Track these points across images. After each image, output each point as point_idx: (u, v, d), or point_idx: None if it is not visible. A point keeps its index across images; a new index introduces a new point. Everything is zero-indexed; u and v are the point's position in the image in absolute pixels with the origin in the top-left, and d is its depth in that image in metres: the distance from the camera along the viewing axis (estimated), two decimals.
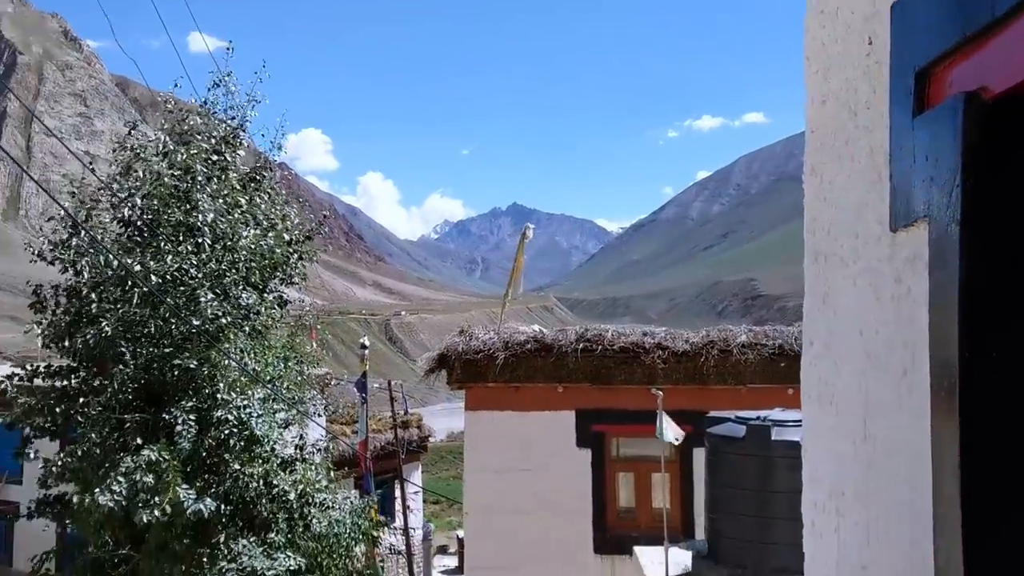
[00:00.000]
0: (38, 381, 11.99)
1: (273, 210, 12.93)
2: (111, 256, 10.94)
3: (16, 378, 11.97)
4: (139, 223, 11.75)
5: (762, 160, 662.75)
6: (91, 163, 12.13)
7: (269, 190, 13.28)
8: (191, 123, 12.75)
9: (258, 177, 13.28)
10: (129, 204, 11.50)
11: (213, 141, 12.55)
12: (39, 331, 11.83)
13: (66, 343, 11.56)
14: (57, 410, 11.44)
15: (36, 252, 11.82)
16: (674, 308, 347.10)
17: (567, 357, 11.24)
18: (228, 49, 13.55)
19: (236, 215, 12.00)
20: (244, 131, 13.34)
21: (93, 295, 11.49)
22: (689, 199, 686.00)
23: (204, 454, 10.97)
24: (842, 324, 2.00)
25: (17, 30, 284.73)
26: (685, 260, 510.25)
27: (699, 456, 10.50)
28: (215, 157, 12.43)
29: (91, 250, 11.48)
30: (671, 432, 7.32)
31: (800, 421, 6.15)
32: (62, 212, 11.79)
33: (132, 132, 12.96)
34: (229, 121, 13.17)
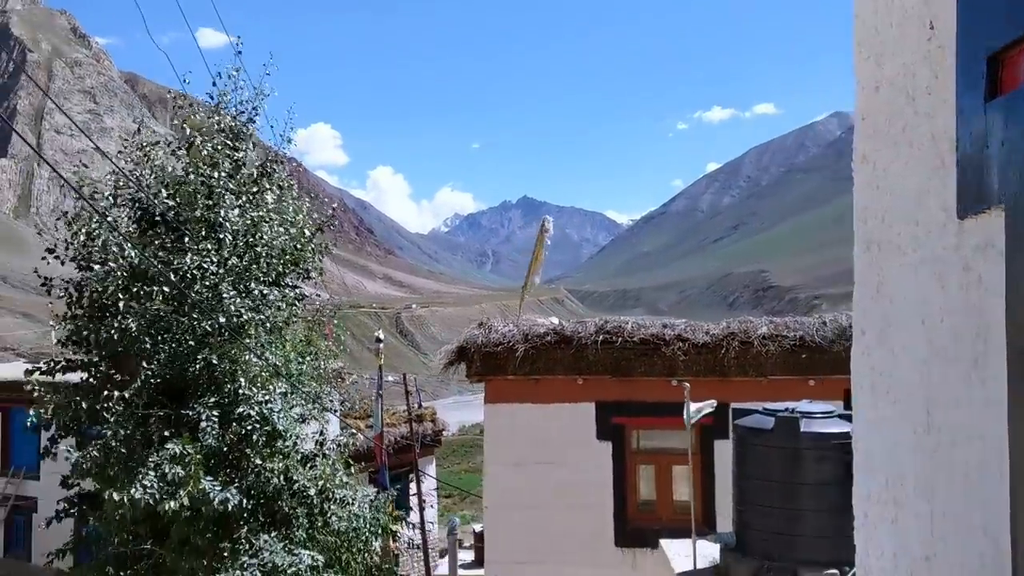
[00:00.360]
0: (58, 375, 12.04)
1: (285, 204, 12.94)
2: (130, 251, 10.98)
3: (37, 372, 12.01)
4: (158, 218, 11.78)
5: (772, 152, 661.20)
6: (90, 160, 12.11)
7: (281, 184, 13.27)
8: (209, 119, 12.74)
9: (269, 171, 13.27)
10: (153, 199, 11.52)
11: (224, 136, 12.55)
12: (62, 326, 11.88)
13: (89, 337, 11.59)
14: (84, 405, 11.47)
15: (50, 250, 11.86)
16: (685, 300, 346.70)
17: (587, 349, 11.20)
18: (237, 44, 13.44)
19: (261, 212, 12.03)
20: (254, 124, 13.31)
21: (112, 289, 11.52)
22: (699, 191, 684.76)
23: (225, 449, 11.02)
24: (900, 313, 1.97)
25: (26, 28, 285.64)
26: (695, 252, 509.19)
27: (720, 448, 10.49)
28: (238, 154, 12.46)
29: (114, 247, 11.54)
30: (696, 409, 7.30)
31: (829, 413, 6.12)
32: (74, 209, 11.88)
33: (140, 129, 13.01)
34: (239, 116, 13.14)
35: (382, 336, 18.76)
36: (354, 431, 13.97)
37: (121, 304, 11.01)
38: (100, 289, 11.64)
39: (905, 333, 1.94)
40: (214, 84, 13.03)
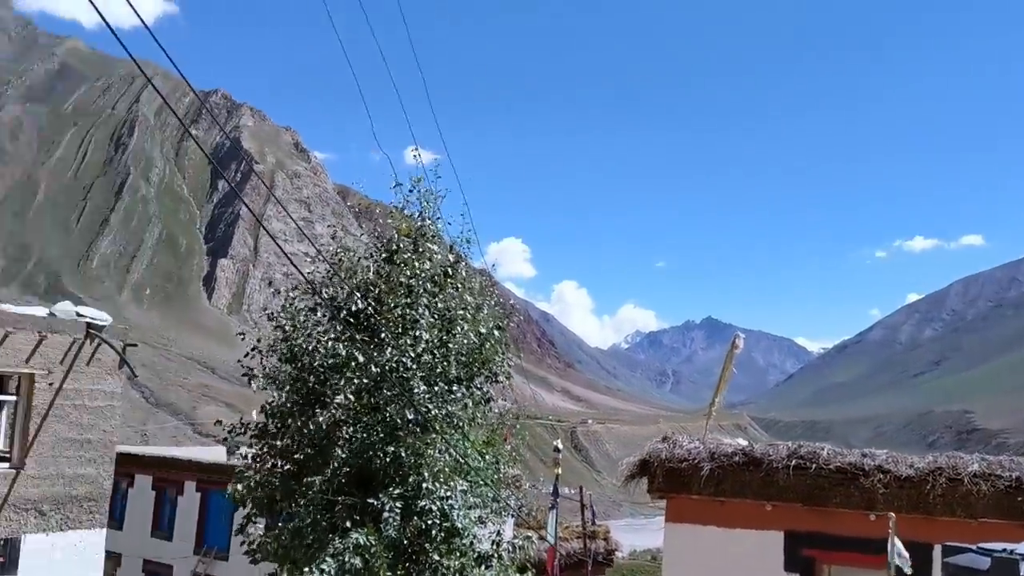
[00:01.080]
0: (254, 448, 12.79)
1: (468, 300, 13.40)
2: (340, 347, 11.66)
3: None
4: (348, 316, 12.50)
5: (980, 285, 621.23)
6: (300, 263, 13.02)
7: (460, 283, 13.73)
8: (399, 221, 13.57)
9: (451, 272, 13.76)
10: (354, 299, 12.25)
11: (421, 238, 13.29)
12: (262, 416, 12.73)
13: (292, 427, 12.31)
14: (279, 485, 12.07)
15: (255, 348, 12.90)
16: (880, 436, 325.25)
17: (778, 473, 10.70)
18: (416, 155, 14.08)
19: (459, 311, 12.53)
20: (436, 226, 13.96)
21: (313, 381, 12.25)
22: (898, 322, 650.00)
23: (405, 543, 11.17)
24: None
25: (255, 142, 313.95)
26: (892, 386, 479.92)
27: None
28: (437, 256, 13.12)
29: (315, 342, 12.34)
30: (900, 559, 6.76)
31: None
32: (282, 307, 12.95)
33: (335, 236, 14.04)
34: (424, 222, 13.82)
35: (560, 447, 18.70)
36: (530, 535, 13.81)
37: (340, 397, 11.60)
38: (307, 381, 12.39)
39: None
40: (393, 191, 13.86)
